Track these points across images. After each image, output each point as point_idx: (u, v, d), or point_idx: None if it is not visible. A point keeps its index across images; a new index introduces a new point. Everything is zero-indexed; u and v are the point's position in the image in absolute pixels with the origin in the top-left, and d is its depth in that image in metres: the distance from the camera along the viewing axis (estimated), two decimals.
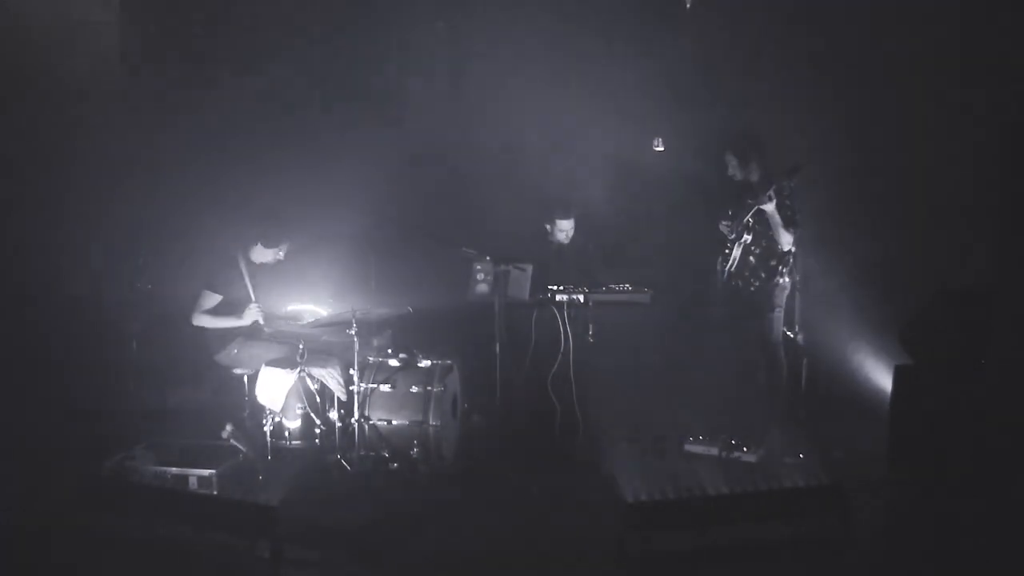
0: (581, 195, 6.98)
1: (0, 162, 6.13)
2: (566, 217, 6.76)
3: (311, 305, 6.62)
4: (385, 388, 5.97)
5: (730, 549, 4.84)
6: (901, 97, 6.83)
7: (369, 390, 5.94)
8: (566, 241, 6.81)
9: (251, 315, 6.06)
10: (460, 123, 7.60)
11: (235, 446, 5.73)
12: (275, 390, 5.84)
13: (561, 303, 6.31)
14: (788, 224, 6.15)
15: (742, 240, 6.29)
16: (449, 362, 6.17)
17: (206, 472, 5.53)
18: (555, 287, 6.32)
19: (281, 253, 6.23)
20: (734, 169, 6.34)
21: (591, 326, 6.29)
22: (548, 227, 6.81)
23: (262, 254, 6.21)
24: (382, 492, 5.69)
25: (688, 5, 7.27)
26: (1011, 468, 5.03)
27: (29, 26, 5.98)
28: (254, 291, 6.13)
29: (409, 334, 6.53)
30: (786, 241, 6.19)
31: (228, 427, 5.78)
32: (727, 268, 6.39)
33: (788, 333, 6.57)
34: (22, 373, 5.85)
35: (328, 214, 6.92)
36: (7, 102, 5.94)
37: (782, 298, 6.33)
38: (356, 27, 7.47)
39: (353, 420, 5.84)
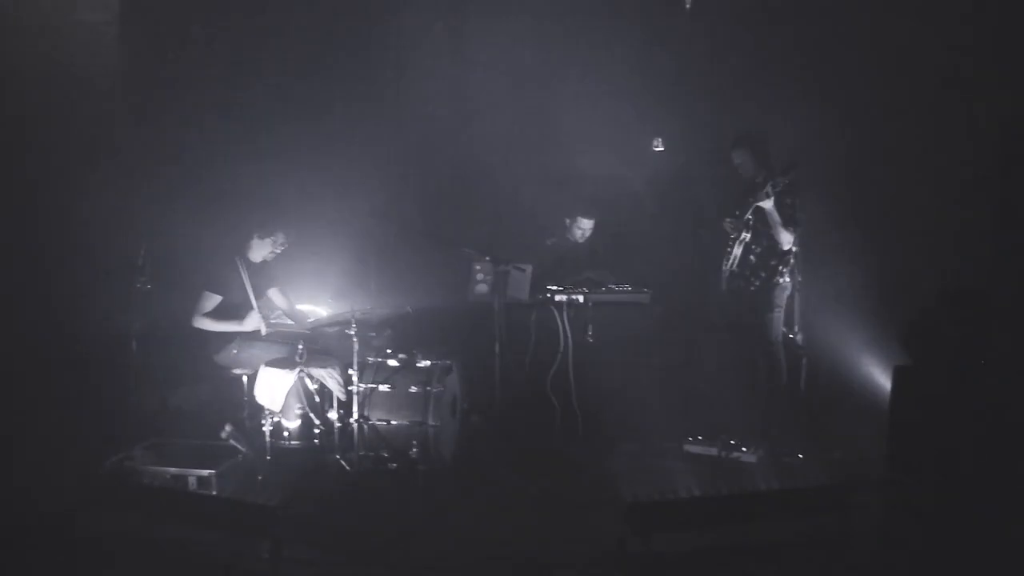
0: (579, 194, 6.98)
1: None
2: (588, 216, 6.77)
3: (310, 305, 6.63)
4: (384, 388, 5.96)
5: (730, 549, 4.84)
6: (901, 97, 6.83)
7: (368, 390, 5.93)
8: (581, 240, 6.82)
9: (252, 322, 6.05)
10: (460, 122, 7.60)
11: (235, 446, 5.73)
12: (274, 390, 5.84)
13: (560, 303, 6.31)
14: (788, 223, 6.13)
15: (742, 238, 6.28)
16: (448, 362, 6.16)
17: (206, 472, 5.52)
18: (554, 287, 6.31)
19: (278, 246, 6.20)
20: (744, 164, 6.25)
21: (590, 326, 6.29)
22: (568, 221, 6.82)
23: (259, 249, 6.20)
24: (382, 492, 5.69)
25: (688, 5, 7.27)
26: (1011, 468, 5.03)
27: (29, 26, 5.98)
28: (254, 293, 6.12)
29: (408, 334, 6.52)
30: (786, 240, 6.17)
31: (227, 427, 5.77)
32: (729, 267, 6.38)
33: (788, 333, 6.57)
34: (21, 372, 5.83)
35: (328, 214, 6.92)
36: (6, 102, 5.93)
37: (782, 298, 6.32)
38: (356, 27, 7.47)
39: (352, 420, 5.83)
